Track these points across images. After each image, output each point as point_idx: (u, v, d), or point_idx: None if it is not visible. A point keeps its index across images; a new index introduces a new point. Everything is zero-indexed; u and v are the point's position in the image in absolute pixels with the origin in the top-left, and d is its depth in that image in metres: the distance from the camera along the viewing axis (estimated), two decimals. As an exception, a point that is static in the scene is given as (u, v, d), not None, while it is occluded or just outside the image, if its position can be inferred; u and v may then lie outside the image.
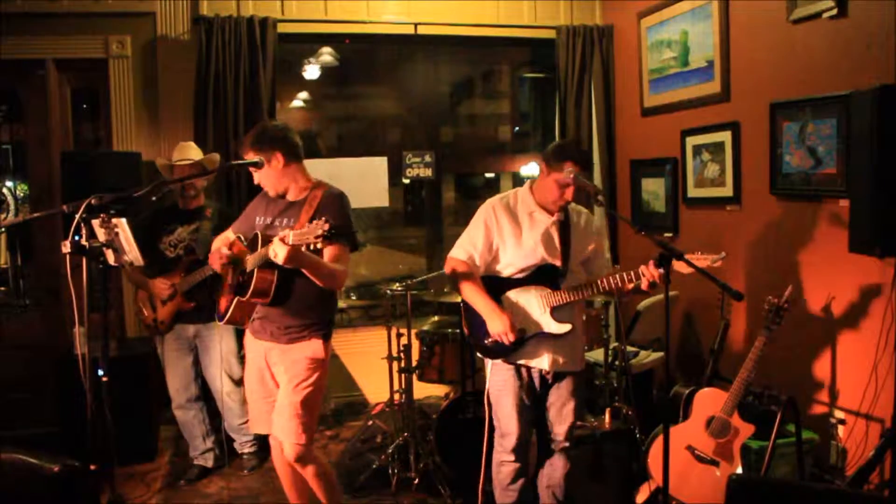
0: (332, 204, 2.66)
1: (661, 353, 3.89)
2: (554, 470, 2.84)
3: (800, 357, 3.45)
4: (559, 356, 2.71)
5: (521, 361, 2.72)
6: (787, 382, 3.31)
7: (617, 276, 2.59)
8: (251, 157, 2.67)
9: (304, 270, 2.54)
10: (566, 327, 2.66)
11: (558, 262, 2.71)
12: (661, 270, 2.33)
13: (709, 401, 2.93)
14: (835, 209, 3.22)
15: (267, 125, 2.78)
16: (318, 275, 2.58)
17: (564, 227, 2.77)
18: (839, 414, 3.28)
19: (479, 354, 2.82)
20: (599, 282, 2.61)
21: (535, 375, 2.77)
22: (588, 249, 2.80)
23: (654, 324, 3.83)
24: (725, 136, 3.89)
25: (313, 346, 2.67)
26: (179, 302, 3.56)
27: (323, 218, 2.29)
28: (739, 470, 2.84)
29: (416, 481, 3.52)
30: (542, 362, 2.71)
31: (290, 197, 2.75)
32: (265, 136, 2.68)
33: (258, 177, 2.73)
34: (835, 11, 3.14)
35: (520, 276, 2.73)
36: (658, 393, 4.13)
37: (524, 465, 2.81)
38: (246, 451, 3.81)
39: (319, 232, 2.23)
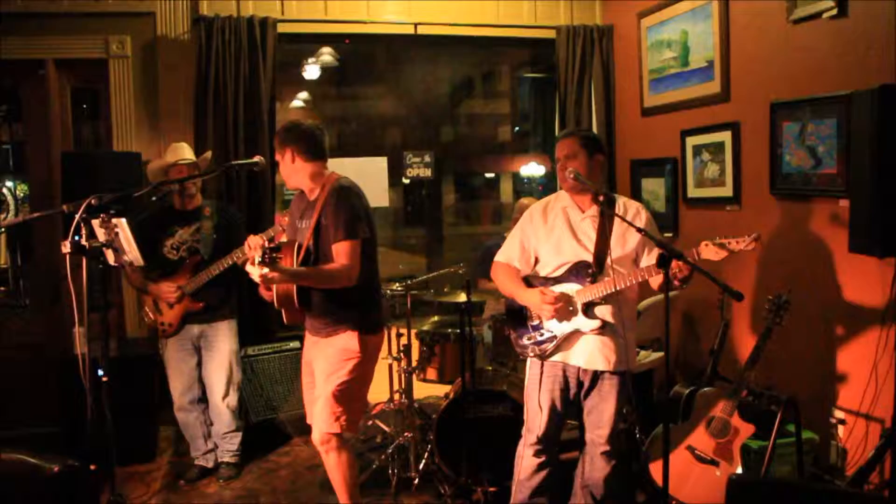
0: (330, 200, 2.75)
1: (661, 353, 3.88)
2: (594, 470, 2.81)
3: (800, 357, 3.45)
4: (595, 354, 2.68)
5: (557, 359, 2.74)
6: (787, 382, 3.31)
7: (645, 266, 2.58)
8: (277, 148, 2.83)
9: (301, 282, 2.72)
10: (594, 324, 2.64)
11: (591, 258, 2.68)
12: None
13: (708, 401, 2.93)
14: (835, 209, 3.21)
15: (292, 123, 2.87)
16: (313, 283, 2.73)
17: (605, 222, 2.70)
18: (839, 414, 3.28)
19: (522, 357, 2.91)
20: (627, 274, 2.57)
21: (572, 375, 2.76)
22: (633, 244, 2.70)
23: (654, 324, 3.82)
24: (725, 136, 3.89)
25: (346, 339, 2.78)
26: (187, 303, 3.56)
27: (264, 240, 2.49)
28: (739, 470, 2.84)
29: (416, 481, 3.52)
30: (577, 359, 2.71)
31: (310, 196, 2.87)
32: (284, 132, 2.83)
33: (280, 169, 2.89)
34: (835, 11, 3.14)
35: (556, 273, 2.74)
36: (658, 393, 4.12)
37: (544, 462, 2.82)
38: (226, 459, 3.76)
39: (255, 255, 2.45)
